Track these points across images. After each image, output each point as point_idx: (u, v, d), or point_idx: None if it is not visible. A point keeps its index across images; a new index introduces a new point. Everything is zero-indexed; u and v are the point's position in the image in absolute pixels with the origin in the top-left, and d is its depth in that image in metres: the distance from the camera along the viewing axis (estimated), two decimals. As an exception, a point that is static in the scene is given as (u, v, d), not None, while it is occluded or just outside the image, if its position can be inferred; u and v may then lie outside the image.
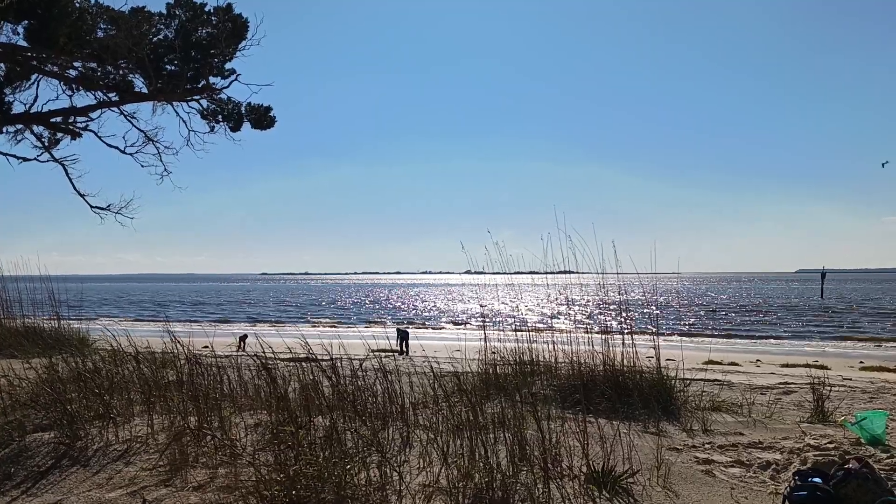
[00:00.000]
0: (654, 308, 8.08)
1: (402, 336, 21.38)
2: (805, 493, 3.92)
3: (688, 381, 6.99)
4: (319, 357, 5.74)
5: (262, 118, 17.20)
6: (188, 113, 17.10)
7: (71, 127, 17.11)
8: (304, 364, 5.98)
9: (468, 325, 39.40)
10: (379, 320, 46.06)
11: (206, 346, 7.87)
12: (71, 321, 10.53)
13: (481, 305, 9.11)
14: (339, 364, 5.76)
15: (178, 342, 6.39)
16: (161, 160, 17.35)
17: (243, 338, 22.03)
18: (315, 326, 40.23)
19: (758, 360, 19.61)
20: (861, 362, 19.66)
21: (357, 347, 7.43)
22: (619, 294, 7.59)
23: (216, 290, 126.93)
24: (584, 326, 8.01)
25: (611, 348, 6.86)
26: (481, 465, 4.01)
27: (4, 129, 16.45)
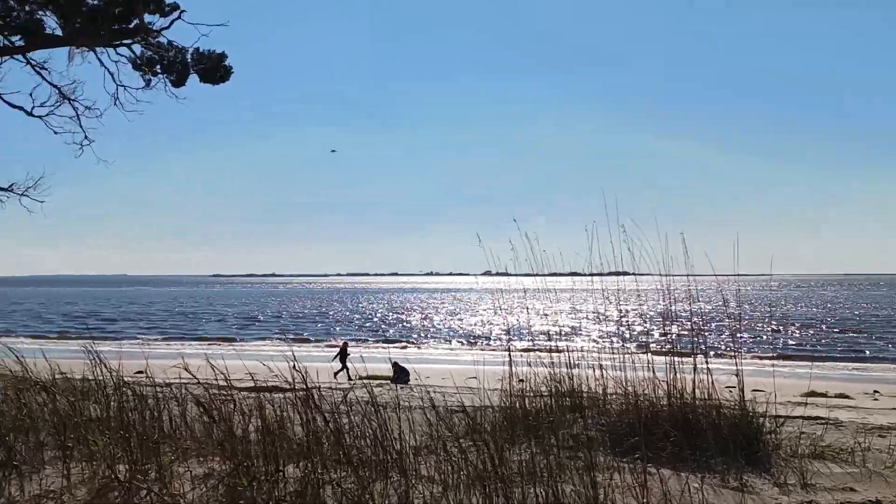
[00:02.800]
0: (736, 321, 8.04)
1: (399, 373, 22.01)
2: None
3: (781, 420, 6.95)
4: (289, 386, 5.75)
5: (213, 69, 17.20)
6: (116, 62, 17.12)
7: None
8: (268, 395, 5.99)
9: (487, 344, 39.48)
10: (368, 337, 46.22)
11: (141, 372, 7.92)
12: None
13: (505, 317, 9.10)
14: (315, 395, 5.77)
15: (105, 365, 6.43)
16: (80, 124, 17.36)
17: (343, 352, 23.64)
18: (284, 345, 40.41)
19: (875, 392, 19.52)
20: None
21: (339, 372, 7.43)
22: (689, 303, 7.55)
23: (154, 296, 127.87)
24: (643, 345, 7.98)
25: (678, 375, 6.83)
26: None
27: None
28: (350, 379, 21.56)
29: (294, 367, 5.65)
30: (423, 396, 6.82)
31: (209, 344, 39.35)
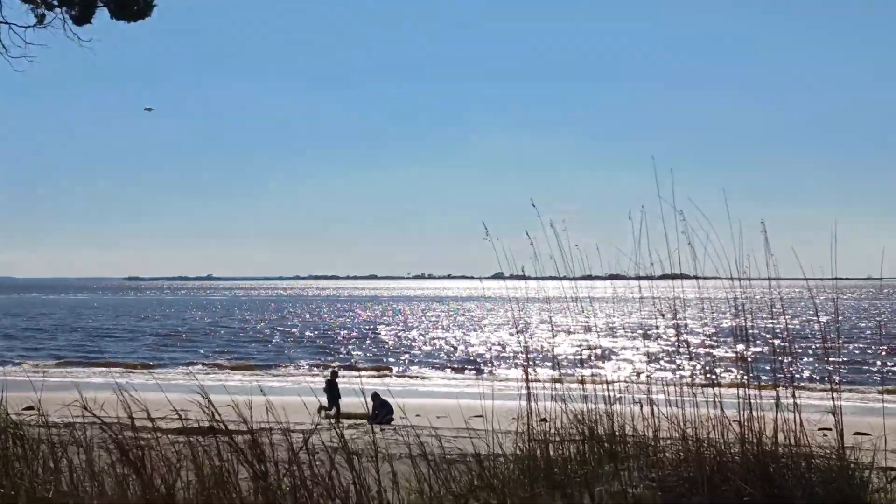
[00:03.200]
0: (833, 341, 8.04)
1: (380, 408, 21.94)
2: None
3: (893, 473, 6.95)
4: (232, 427, 5.74)
5: (128, 1, 17.15)
6: (-5, -10, 17.04)
7: None
8: (204, 439, 5.97)
9: (498, 371, 39.45)
10: (333, 361, 46.18)
11: (31, 408, 7.90)
12: None
13: (522, 336, 9.08)
14: (266, 440, 5.75)
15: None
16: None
17: (332, 383, 23.47)
18: (222, 371, 40.47)
19: None
20: None
21: (298, 409, 7.44)
22: (770, 317, 7.54)
23: (46, 306, 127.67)
24: (708, 374, 7.98)
25: (755, 413, 6.82)
26: None
27: None
28: (325, 416, 21.27)
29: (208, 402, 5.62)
30: (412, 441, 6.82)
31: (123, 371, 39.35)
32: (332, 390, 23.86)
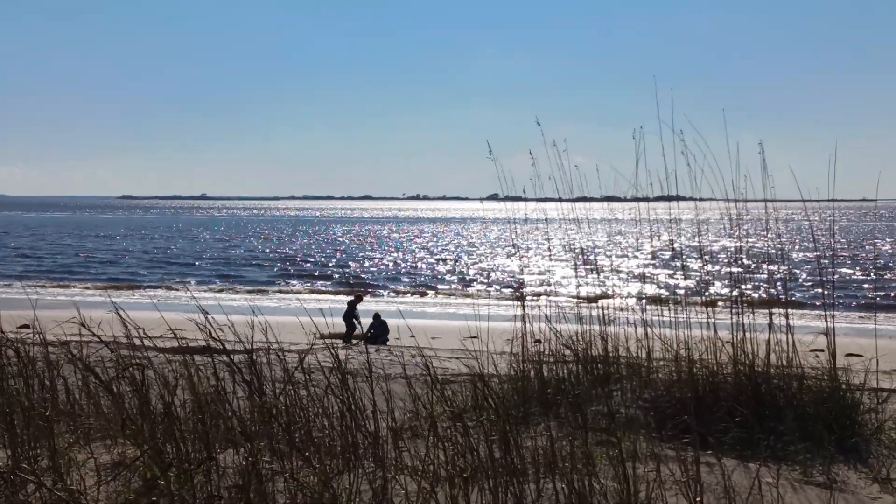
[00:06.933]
0: (827, 262, 8.04)
1: (377, 327, 21.98)
2: None
3: (885, 395, 7.01)
4: (228, 347, 5.75)
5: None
6: None
7: None
8: (200, 359, 6.00)
9: (493, 293, 39.53)
10: (329, 287, 46.18)
11: (27, 325, 7.94)
12: None
13: (518, 257, 9.09)
14: (262, 359, 5.77)
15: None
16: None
17: (352, 306, 23.40)
18: (219, 292, 40.48)
19: None
20: None
21: (294, 330, 7.46)
22: (766, 238, 7.54)
23: (34, 224, 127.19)
24: (701, 295, 8.00)
25: (748, 334, 6.85)
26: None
27: None
28: (348, 341, 21.23)
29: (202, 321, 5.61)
30: (407, 360, 6.85)
31: (134, 289, 39.26)
32: (351, 313, 23.65)
